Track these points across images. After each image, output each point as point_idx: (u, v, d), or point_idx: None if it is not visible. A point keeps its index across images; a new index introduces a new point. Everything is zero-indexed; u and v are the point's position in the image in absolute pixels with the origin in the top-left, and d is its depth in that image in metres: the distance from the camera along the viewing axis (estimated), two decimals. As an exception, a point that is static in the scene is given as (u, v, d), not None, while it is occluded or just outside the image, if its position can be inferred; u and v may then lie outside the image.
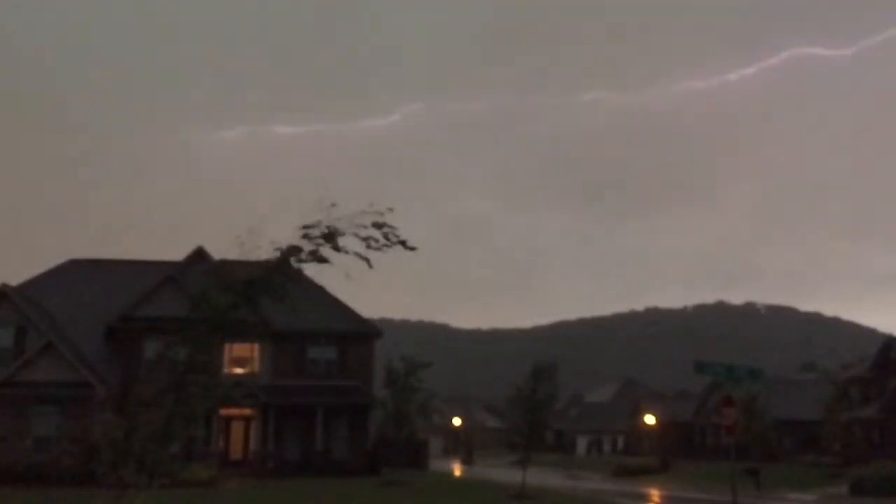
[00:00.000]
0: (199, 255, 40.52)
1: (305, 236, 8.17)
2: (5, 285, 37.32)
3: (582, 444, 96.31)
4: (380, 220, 8.05)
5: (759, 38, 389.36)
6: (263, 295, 8.52)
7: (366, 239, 8.03)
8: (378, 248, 8.06)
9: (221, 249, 8.83)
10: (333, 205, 8.03)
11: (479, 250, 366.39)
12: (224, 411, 38.50)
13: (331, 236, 8.04)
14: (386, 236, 8.07)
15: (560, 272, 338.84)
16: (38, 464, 32.88)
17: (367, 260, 8.04)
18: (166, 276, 39.92)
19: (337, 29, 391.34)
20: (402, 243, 8.18)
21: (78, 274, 44.72)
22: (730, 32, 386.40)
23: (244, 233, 8.15)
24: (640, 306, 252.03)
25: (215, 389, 8.47)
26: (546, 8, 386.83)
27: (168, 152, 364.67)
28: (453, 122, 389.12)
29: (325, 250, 8.16)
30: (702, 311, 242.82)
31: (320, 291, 44.85)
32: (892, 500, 31.05)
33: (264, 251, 8.29)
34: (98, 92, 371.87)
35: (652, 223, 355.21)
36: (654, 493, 38.92)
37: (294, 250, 8.21)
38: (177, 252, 49.97)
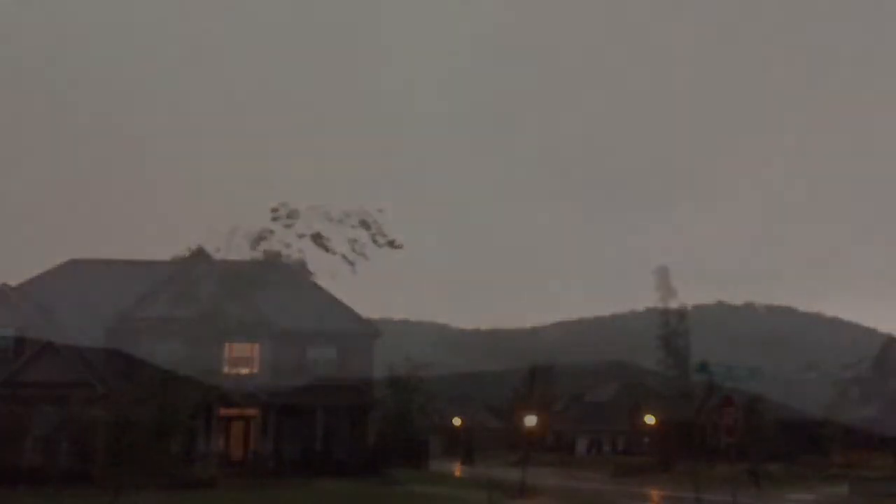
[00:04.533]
0: (200, 255, 40.47)
1: (275, 219, 8.00)
2: (5, 285, 37.37)
3: (582, 444, 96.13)
4: (368, 219, 7.65)
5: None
6: (246, 286, 8.38)
7: (352, 241, 7.67)
8: (361, 254, 7.65)
9: (215, 249, 8.73)
10: (322, 206, 7.71)
11: (479, 250, 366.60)
12: (224, 411, 38.52)
13: (318, 236, 7.82)
14: (373, 238, 7.69)
15: (560, 272, 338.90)
16: (38, 464, 32.86)
17: (352, 263, 7.68)
18: (166, 275, 39.90)
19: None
20: (391, 243, 7.79)
21: (78, 274, 44.69)
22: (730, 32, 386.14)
23: (226, 231, 8.03)
24: (640, 306, 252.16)
25: (205, 387, 8.37)
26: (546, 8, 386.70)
27: (167, 151, 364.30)
28: (453, 120, 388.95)
29: (308, 244, 7.85)
30: (702, 311, 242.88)
31: (320, 291, 44.97)
32: (893, 500, 31.01)
33: (244, 250, 8.19)
34: (98, 92, 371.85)
35: (652, 223, 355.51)
36: (654, 493, 38.90)
37: (265, 233, 8.08)
38: (176, 252, 49.84)
